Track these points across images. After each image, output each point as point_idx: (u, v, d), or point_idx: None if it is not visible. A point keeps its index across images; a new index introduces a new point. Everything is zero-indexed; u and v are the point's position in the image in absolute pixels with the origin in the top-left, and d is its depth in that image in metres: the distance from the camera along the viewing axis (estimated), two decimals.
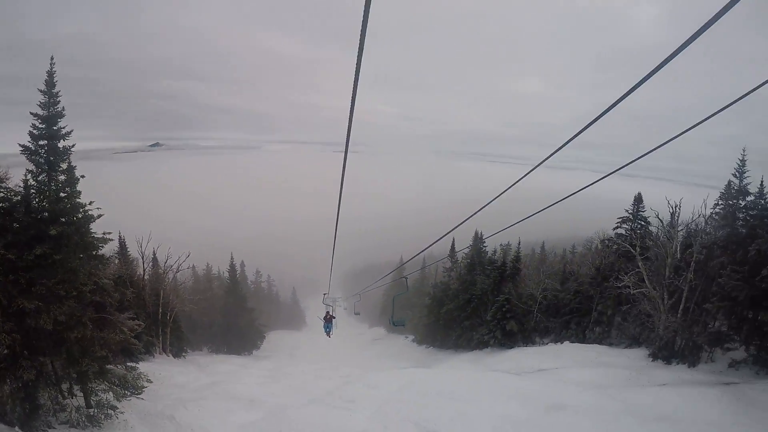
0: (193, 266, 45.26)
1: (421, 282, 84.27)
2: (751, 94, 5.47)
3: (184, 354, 38.33)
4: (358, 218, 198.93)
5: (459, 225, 12.26)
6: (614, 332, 41.20)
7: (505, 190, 8.14)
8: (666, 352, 31.15)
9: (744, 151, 32.75)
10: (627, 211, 42.62)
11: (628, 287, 33.95)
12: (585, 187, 8.86)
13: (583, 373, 29.20)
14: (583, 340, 42.21)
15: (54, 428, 15.24)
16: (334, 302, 37.94)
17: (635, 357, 33.23)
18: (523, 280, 51.63)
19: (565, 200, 9.49)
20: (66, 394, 16.32)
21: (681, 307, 31.36)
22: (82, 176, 16.57)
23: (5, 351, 13.32)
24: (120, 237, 38.50)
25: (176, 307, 38.44)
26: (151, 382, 18.68)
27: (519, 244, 57.63)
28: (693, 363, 29.26)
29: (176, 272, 41.40)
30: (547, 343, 43.98)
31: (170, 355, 36.24)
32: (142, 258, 38.24)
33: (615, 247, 41.88)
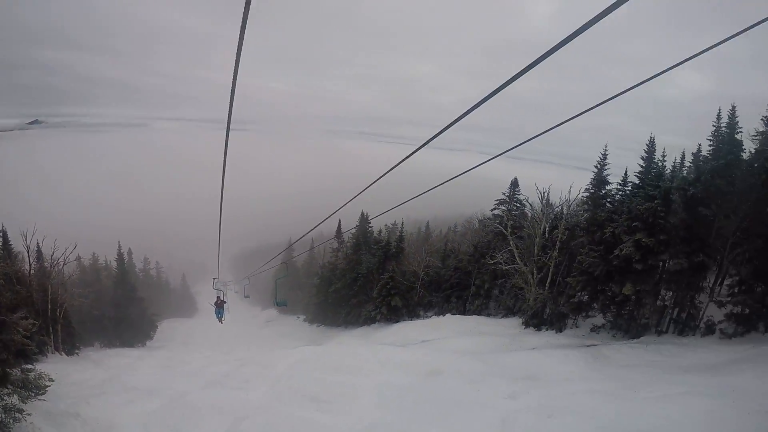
0: (79, 257, 43.39)
1: (310, 263, 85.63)
2: (628, 92, 5.94)
3: (76, 351, 37.19)
4: (248, 199, 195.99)
5: (344, 205, 12.37)
6: (492, 304, 44.24)
7: (391, 169, 8.01)
8: (536, 321, 34.30)
9: (606, 147, 35.93)
10: (504, 193, 45.60)
11: (501, 263, 36.88)
12: (471, 169, 9.05)
13: (462, 341, 31.49)
14: (463, 312, 44.95)
15: None
16: (225, 286, 37.31)
17: (510, 326, 36.06)
18: (406, 258, 53.65)
19: (454, 180, 9.77)
20: None
21: (548, 280, 34.76)
22: None
23: None
24: (2, 229, 36.98)
25: (65, 302, 36.58)
26: (53, 380, 18.79)
27: (402, 224, 59.35)
28: (560, 329, 32.77)
29: (63, 266, 39.93)
30: (430, 316, 46.23)
31: (63, 353, 34.89)
32: (28, 252, 36.12)
33: (491, 227, 44.47)
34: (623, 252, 26.41)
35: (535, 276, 35.25)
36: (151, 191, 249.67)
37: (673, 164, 32.55)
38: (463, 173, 9.18)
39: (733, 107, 27.73)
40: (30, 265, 35.76)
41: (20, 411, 16.52)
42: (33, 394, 17.37)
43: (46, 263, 37.99)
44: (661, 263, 27.12)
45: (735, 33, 4.69)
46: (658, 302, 28.46)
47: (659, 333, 28.25)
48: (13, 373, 17.39)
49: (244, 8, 3.99)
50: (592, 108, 6.36)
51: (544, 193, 37.22)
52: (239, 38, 4.51)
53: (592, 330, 31.23)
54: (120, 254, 57.74)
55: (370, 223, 59.84)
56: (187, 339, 63.67)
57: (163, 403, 19.70)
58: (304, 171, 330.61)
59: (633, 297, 27.19)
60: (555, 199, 38.23)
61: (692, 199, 25.75)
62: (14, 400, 16.75)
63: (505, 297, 40.46)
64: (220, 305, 35.39)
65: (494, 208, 46.69)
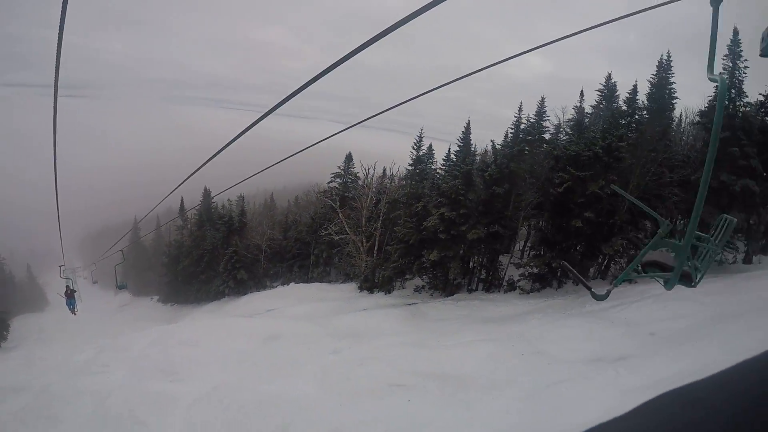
0: None
1: (158, 242, 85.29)
2: (478, 72, 6.13)
3: None
4: (87, 173, 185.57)
5: (186, 179, 11.34)
6: (333, 271, 48.01)
7: (237, 137, 7.52)
8: (368, 284, 38.30)
9: (422, 130, 40.65)
10: (339, 167, 49.00)
11: (332, 234, 40.59)
12: (325, 139, 9.03)
13: (302, 308, 34.44)
14: (307, 280, 48.31)
15: None
16: (73, 273, 36.25)
17: (347, 290, 39.80)
18: (250, 231, 55.87)
19: (304, 150, 9.61)
20: None
21: (375, 248, 38.88)
22: None
23: None
24: None
25: None
26: None
27: (243, 199, 61.05)
28: (389, 291, 37.02)
29: None
30: (276, 286, 48.82)
31: None
32: None
33: (326, 199, 48.01)
34: (430, 224, 31.03)
35: (364, 244, 39.06)
36: None
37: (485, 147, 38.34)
38: (316, 143, 9.21)
39: (542, 99, 33.38)
40: None
41: None
42: None
43: None
44: (464, 233, 31.92)
45: (578, 31, 5.08)
46: (469, 265, 33.51)
47: (470, 291, 33.75)
48: None
49: None
50: (440, 87, 6.59)
51: (368, 168, 41.15)
52: None
53: (415, 290, 35.83)
54: None
55: (213, 199, 60.99)
56: (41, 334, 61.74)
57: (32, 398, 21.56)
58: (145, 141, 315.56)
59: (439, 262, 31.96)
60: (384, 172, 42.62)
61: (489, 179, 31.01)
62: None
63: (342, 264, 44.11)
64: (70, 295, 35.08)
65: (330, 181, 50.03)
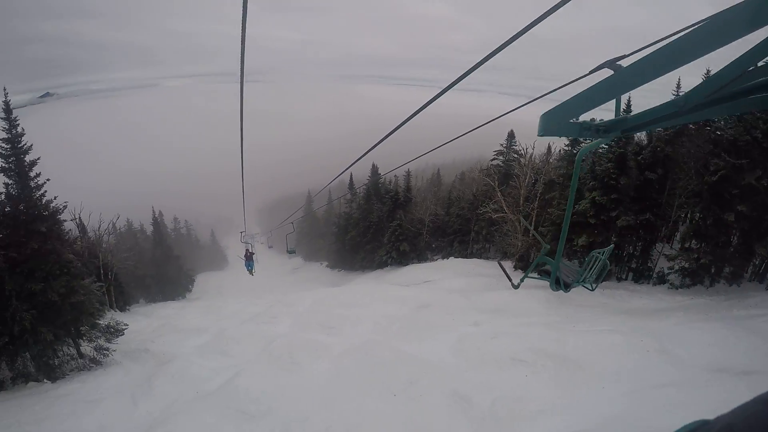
0: (113, 224, 47.67)
1: (329, 212, 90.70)
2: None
3: (127, 308, 42.31)
4: (268, 150, 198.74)
5: (360, 157, 11.32)
6: (492, 248, 49.12)
7: (411, 116, 7.41)
8: (522, 263, 39.18)
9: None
10: (501, 144, 49.93)
11: (490, 212, 41.66)
12: (500, 117, 8.74)
13: (456, 281, 36.21)
14: (466, 255, 49.91)
15: (69, 375, 21.51)
16: (252, 239, 39.97)
17: (497, 267, 40.92)
18: (414, 206, 58.41)
19: (472, 122, 9.50)
20: (73, 348, 22.45)
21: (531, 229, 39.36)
22: (48, 179, 21.89)
23: (25, 325, 19.22)
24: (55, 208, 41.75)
25: (114, 266, 41.23)
26: (128, 325, 24.87)
27: (409, 175, 63.46)
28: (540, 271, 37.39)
29: (110, 235, 45.41)
30: (437, 259, 51.00)
31: (117, 310, 39.80)
32: (77, 226, 40.74)
33: (485, 178, 48.93)
34: (581, 207, 31.12)
35: (521, 224, 39.88)
36: (170, 150, 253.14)
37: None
38: (490, 121, 8.90)
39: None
40: (80, 236, 40.23)
41: (107, 350, 22.53)
42: (115, 336, 23.22)
43: (92, 234, 42.94)
44: (614, 219, 31.24)
45: None
46: (621, 252, 33.02)
47: (619, 280, 32.76)
48: (100, 324, 23.11)
49: None
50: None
51: (527, 148, 41.66)
52: None
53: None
54: (155, 218, 63.71)
55: (380, 175, 64.14)
56: (220, 290, 69.40)
57: (210, 338, 25.17)
58: (321, 119, 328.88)
59: (588, 247, 31.60)
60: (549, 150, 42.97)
61: (643, 163, 29.95)
62: (101, 342, 22.61)
63: (500, 242, 44.64)
64: (249, 257, 37.42)
65: (493, 159, 51.08)
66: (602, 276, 10.76)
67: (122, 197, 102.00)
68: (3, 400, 18.47)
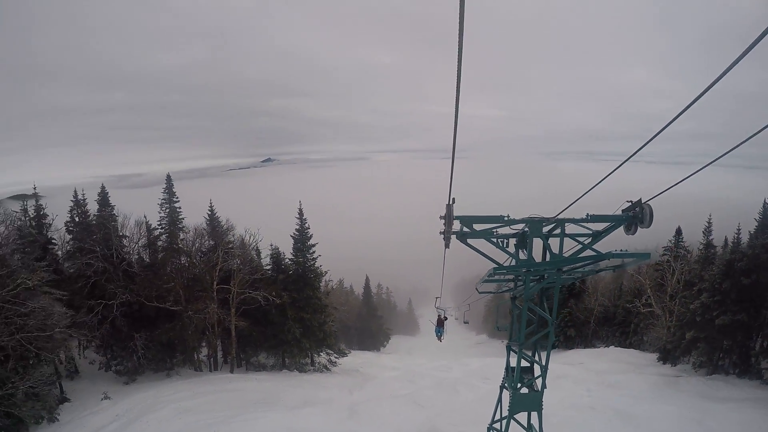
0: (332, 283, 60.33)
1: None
2: None
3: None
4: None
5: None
6: (646, 338, 55.99)
7: (589, 190, 8.48)
8: (664, 355, 44.86)
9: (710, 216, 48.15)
10: (669, 241, 53.09)
11: (639, 306, 50.16)
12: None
13: (596, 363, 45.68)
14: (625, 345, 56.64)
15: (308, 372, 36.24)
16: (445, 309, 47.51)
17: (644, 358, 47.68)
18: (585, 296, 66.15)
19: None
20: (316, 357, 37.52)
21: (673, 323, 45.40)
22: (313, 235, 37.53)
23: (295, 335, 34.02)
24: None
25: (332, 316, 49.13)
26: (350, 352, 39.58)
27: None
28: (674, 363, 43.27)
29: (332, 289, 59.62)
30: (599, 347, 58.89)
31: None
32: (325, 284, 50.50)
33: (638, 276, 56.19)
34: (692, 306, 38.79)
35: (666, 318, 46.68)
36: (375, 219, 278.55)
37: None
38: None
39: None
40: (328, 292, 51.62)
41: (333, 363, 37.30)
42: (341, 357, 37.97)
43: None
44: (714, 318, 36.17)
45: None
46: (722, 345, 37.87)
47: (727, 373, 38.32)
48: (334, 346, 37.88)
49: (458, 41, 4.75)
50: None
51: (674, 248, 48.98)
52: (457, 71, 5.28)
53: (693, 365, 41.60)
54: (367, 284, 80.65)
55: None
56: (410, 350, 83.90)
57: (400, 372, 38.79)
58: (520, 196, 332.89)
59: (692, 341, 38.29)
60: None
61: (738, 269, 35.35)
62: (333, 357, 37.40)
63: (650, 334, 51.70)
64: (440, 323, 38.23)
65: (663, 254, 53.49)
66: None
67: (333, 257, 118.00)
68: (269, 377, 33.75)
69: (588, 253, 11.21)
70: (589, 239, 11.87)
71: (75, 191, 40.39)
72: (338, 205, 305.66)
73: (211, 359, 40.33)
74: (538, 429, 15.18)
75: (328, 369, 40.46)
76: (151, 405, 29.11)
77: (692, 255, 51.07)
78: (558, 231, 11.81)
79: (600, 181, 8.24)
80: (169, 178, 41.41)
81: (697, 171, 7.86)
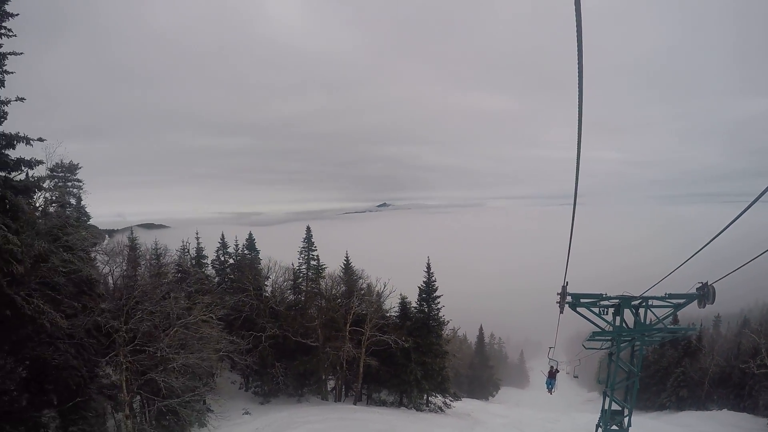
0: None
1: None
2: None
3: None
4: (582, 278, 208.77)
5: (650, 287, 15.68)
6: (761, 402, 55.43)
7: (709, 242, 8.60)
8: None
9: None
10: None
11: (752, 367, 50.20)
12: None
13: (704, 426, 48.08)
14: (738, 408, 56.52)
15: (423, 411, 40.59)
16: (558, 363, 42.31)
17: (755, 422, 49.59)
18: (701, 354, 65.61)
19: None
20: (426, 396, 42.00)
21: None
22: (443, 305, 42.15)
23: (417, 377, 38.59)
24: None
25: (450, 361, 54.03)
26: (461, 398, 43.77)
27: (701, 324, 69.95)
28: None
29: (452, 337, 63.06)
30: (712, 410, 58.34)
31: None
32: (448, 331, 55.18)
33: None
34: None
35: None
36: (490, 266, 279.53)
37: None
38: None
39: None
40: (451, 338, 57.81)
41: (448, 405, 41.77)
42: (455, 400, 42.55)
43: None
44: None
45: None
46: None
47: None
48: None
49: (578, 82, 4.82)
50: None
51: None
52: (578, 116, 5.36)
53: None
54: (480, 333, 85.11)
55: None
56: (519, 401, 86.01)
57: (508, 420, 42.61)
58: (638, 244, 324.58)
59: None
60: None
61: None
62: (447, 399, 41.81)
63: (764, 397, 51.37)
64: (552, 375, 38.77)
65: None
66: None
67: (447, 304, 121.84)
68: (389, 412, 40.34)
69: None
70: (671, 309, 16.52)
71: (222, 234, 47.58)
72: (453, 250, 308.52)
73: (337, 391, 45.92)
74: None
75: (442, 410, 44.85)
76: (287, 423, 34.10)
77: None
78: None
79: (719, 233, 8.64)
80: (308, 230, 46.82)
81: None
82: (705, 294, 15.17)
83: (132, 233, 36.25)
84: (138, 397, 28.06)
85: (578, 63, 4.30)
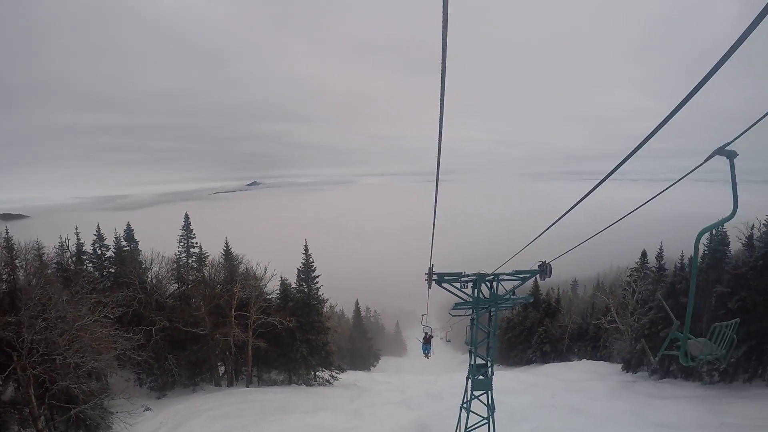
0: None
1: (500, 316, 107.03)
2: None
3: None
4: (452, 249, 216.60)
5: (517, 253, 17.20)
6: (612, 351, 62.30)
7: (565, 213, 8.85)
8: (626, 365, 51.61)
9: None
10: (636, 262, 60.45)
11: (604, 323, 57.77)
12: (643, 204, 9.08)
13: (567, 373, 52.70)
14: (597, 358, 63.27)
15: (314, 385, 43.17)
16: (430, 329, 43.16)
17: (611, 368, 54.27)
18: (560, 315, 74.05)
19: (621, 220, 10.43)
20: (320, 373, 44.47)
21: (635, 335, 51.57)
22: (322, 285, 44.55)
23: (303, 354, 40.98)
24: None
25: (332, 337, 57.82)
26: (346, 369, 46.40)
27: (559, 290, 79.06)
28: (634, 370, 50.14)
29: (332, 313, 66.40)
30: (573, 360, 65.16)
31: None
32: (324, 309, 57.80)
33: (603, 296, 64.17)
34: (643, 321, 46.38)
35: (628, 332, 53.61)
36: (361, 242, 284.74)
37: None
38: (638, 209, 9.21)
39: None
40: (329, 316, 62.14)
41: (335, 378, 44.41)
42: (341, 372, 45.07)
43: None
44: None
45: None
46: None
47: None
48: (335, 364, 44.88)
49: (441, 67, 4.86)
50: None
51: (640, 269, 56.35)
52: (440, 97, 5.45)
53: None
54: (357, 307, 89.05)
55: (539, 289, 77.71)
56: (398, 369, 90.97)
57: (392, 386, 45.74)
58: (502, 217, 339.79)
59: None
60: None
61: (678, 290, 42.61)
62: (334, 373, 44.40)
63: (615, 347, 57.71)
64: (427, 341, 40.01)
65: (630, 275, 60.61)
66: (731, 349, 11.01)
67: (322, 280, 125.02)
68: (281, 390, 42.08)
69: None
70: (519, 282, 20.45)
71: (98, 226, 46.93)
72: (324, 227, 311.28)
73: (229, 376, 47.42)
74: (490, 404, 23.29)
75: (330, 383, 48.15)
76: (188, 414, 35.73)
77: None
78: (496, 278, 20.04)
79: (574, 206, 9.03)
80: (187, 217, 47.59)
81: (672, 185, 8.55)
82: (544, 270, 19.20)
83: None
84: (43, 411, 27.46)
85: (442, 40, 4.52)
